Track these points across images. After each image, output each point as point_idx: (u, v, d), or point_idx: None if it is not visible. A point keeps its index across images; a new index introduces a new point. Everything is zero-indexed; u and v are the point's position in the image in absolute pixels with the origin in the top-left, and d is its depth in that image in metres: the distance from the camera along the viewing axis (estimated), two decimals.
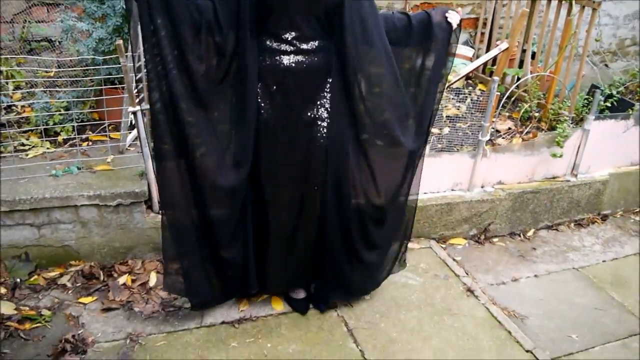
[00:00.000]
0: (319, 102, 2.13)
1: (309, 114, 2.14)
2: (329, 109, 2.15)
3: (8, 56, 3.14)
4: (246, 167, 2.13)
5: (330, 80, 2.13)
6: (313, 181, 2.23)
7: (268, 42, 2.03)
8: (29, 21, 3.33)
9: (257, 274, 2.36)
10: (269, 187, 2.21)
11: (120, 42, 2.31)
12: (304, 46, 2.04)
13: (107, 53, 2.74)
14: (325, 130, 2.17)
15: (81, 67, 2.80)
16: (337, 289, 2.51)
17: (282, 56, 2.03)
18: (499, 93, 3.12)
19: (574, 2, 3.47)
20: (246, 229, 2.25)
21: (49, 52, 3.44)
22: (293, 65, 2.04)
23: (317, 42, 2.05)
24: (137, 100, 2.59)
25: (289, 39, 2.02)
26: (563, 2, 3.56)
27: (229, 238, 2.23)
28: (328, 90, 2.13)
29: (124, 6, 2.54)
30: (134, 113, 2.54)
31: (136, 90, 2.73)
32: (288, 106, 2.11)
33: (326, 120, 2.16)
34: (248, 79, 2.03)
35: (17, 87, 3.12)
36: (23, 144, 2.90)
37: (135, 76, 2.56)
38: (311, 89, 2.11)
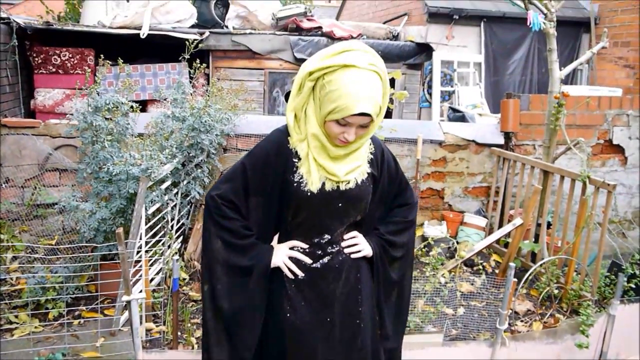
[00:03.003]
0: (349, 301, 1.96)
1: (340, 311, 1.94)
2: (362, 304, 1.97)
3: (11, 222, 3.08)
4: None
5: (359, 275, 1.98)
6: None
7: (296, 244, 1.93)
8: (39, 187, 3.33)
9: None
10: None
11: (121, 230, 2.23)
12: (334, 248, 1.93)
13: (108, 232, 2.67)
14: (362, 326, 1.96)
15: (82, 243, 2.72)
16: None
17: (312, 259, 1.91)
18: (515, 280, 2.95)
19: (587, 182, 3.42)
20: None
21: (56, 217, 3.40)
22: (320, 267, 1.92)
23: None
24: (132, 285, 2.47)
25: (320, 242, 1.92)
26: (577, 180, 3.52)
27: None
28: (360, 285, 1.98)
29: (129, 190, 2.52)
30: (129, 302, 2.39)
31: (133, 270, 2.62)
32: (317, 305, 1.93)
33: (361, 317, 1.96)
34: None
35: (15, 257, 3.03)
36: (10, 322, 2.74)
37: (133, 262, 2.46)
38: (341, 287, 1.95)
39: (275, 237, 1.96)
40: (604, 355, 3.31)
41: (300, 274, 1.90)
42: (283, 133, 1.88)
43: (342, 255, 1.95)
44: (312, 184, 1.81)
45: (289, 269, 1.89)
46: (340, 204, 1.87)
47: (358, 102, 1.64)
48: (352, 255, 1.96)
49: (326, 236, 1.91)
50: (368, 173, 1.93)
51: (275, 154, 1.85)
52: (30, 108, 5.83)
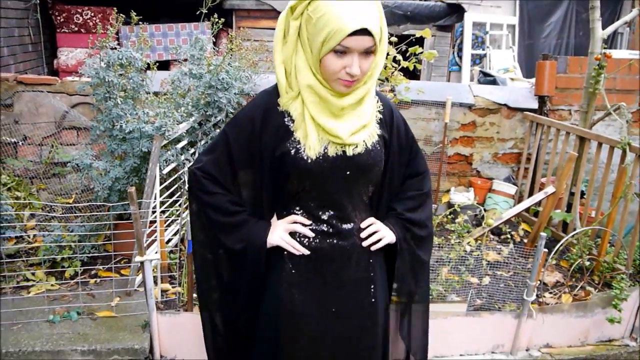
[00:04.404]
0: (359, 291, 1.71)
1: (347, 302, 1.69)
2: (375, 296, 1.72)
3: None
4: None
5: (372, 261, 1.71)
6: None
7: (297, 219, 1.65)
8: (56, 145, 3.29)
9: None
10: None
11: (133, 189, 2.16)
12: (345, 226, 1.65)
13: (122, 192, 2.61)
14: (373, 322, 1.73)
15: (97, 202, 2.66)
16: None
17: (317, 237, 1.65)
18: (546, 250, 2.80)
19: (628, 149, 3.21)
20: None
21: (74, 175, 3.36)
22: (330, 248, 1.65)
23: (358, 222, 1.68)
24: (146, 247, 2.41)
25: (326, 218, 1.64)
26: (616, 147, 3.31)
27: None
28: (373, 273, 1.72)
29: (142, 149, 2.43)
30: (142, 262, 2.34)
31: (149, 231, 2.56)
32: (323, 294, 1.67)
33: (373, 312, 1.72)
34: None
35: (32, 215, 3.01)
36: (27, 279, 2.73)
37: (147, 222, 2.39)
38: (350, 273, 1.68)
39: (274, 217, 1.69)
40: (636, 330, 3.16)
41: (304, 251, 1.63)
42: (271, 94, 1.60)
43: (354, 237, 1.67)
44: (311, 149, 1.53)
45: (291, 246, 1.63)
46: (348, 172, 1.58)
47: (352, 19, 1.38)
48: (373, 248, 1.68)
49: (332, 212, 1.63)
50: (378, 135, 1.63)
51: (262, 119, 1.57)
52: (53, 67, 5.80)
